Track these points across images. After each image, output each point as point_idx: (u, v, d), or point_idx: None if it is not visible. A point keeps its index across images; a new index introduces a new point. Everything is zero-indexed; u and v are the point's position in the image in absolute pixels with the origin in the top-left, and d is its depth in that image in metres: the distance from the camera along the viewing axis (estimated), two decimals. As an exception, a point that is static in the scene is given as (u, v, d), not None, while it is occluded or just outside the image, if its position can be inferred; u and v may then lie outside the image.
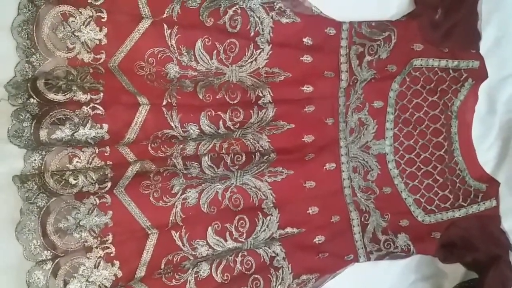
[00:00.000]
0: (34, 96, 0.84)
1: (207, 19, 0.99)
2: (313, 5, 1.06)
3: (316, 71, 1.09)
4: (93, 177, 0.89)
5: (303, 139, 1.08)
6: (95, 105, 0.87)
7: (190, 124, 0.96)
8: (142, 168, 0.94)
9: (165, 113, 0.93)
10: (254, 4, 1.01)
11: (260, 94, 1.03)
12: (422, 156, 1.16)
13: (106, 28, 0.91)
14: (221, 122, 0.98)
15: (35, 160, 0.84)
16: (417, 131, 1.15)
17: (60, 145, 0.88)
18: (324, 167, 1.11)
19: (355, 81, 1.12)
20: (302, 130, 1.08)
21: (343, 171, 1.14)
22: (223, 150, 1.02)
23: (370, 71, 1.11)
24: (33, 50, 0.86)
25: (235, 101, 1.00)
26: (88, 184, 0.89)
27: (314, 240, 1.04)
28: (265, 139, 1.05)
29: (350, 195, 1.13)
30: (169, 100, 0.94)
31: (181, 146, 0.98)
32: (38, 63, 0.87)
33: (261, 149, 1.05)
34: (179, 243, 0.92)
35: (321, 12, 1.07)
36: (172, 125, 0.94)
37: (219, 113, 0.98)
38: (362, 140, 1.14)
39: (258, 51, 1.04)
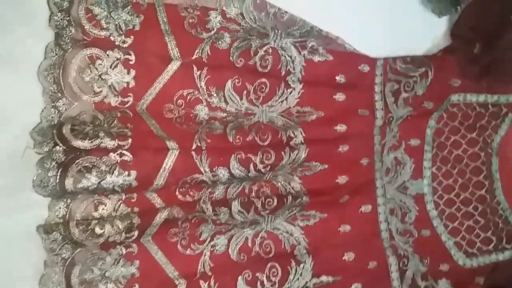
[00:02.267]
0: (60, 144, 0.81)
1: (237, 60, 0.96)
2: (346, 42, 1.02)
3: (349, 109, 1.05)
4: (120, 226, 0.85)
5: (336, 180, 1.04)
6: (123, 151, 0.84)
7: (220, 168, 0.92)
8: (170, 215, 0.91)
9: (194, 157, 0.90)
10: (285, 43, 0.98)
11: (292, 135, 0.98)
12: (462, 196, 1.10)
13: (134, 71, 0.88)
14: (251, 165, 0.94)
15: (59, 208, 0.81)
16: (456, 169, 1.10)
17: (86, 193, 0.84)
18: (360, 210, 1.06)
19: (391, 119, 1.07)
20: (335, 171, 1.03)
21: (379, 214, 1.08)
22: (253, 193, 0.98)
23: (406, 108, 1.07)
24: (59, 95, 0.84)
25: (266, 143, 0.96)
26: (115, 234, 0.85)
27: None
28: (297, 181, 1.00)
29: (387, 239, 1.08)
30: (199, 144, 0.90)
31: (209, 189, 0.94)
32: (64, 107, 0.85)
33: (293, 191, 1.01)
34: None
35: (354, 49, 1.02)
36: (202, 170, 0.90)
37: (250, 155, 0.94)
38: (399, 180, 1.09)
39: (289, 90, 1.00)
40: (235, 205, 0.96)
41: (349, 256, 1.02)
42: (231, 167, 0.93)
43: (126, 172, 0.85)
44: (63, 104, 0.85)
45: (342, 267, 0.99)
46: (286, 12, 0.98)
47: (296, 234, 1.01)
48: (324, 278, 1.01)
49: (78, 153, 0.83)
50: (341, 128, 1.03)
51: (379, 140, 1.07)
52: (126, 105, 0.90)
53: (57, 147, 0.82)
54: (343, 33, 1.05)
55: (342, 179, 1.04)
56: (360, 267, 1.01)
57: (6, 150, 0.82)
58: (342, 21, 1.06)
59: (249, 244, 0.92)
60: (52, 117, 0.84)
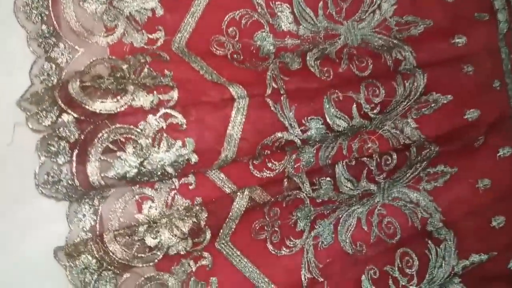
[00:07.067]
0: (69, 110, 0.51)
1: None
2: None
3: (464, 13, 0.79)
4: (183, 229, 0.56)
5: (465, 117, 0.75)
6: (169, 111, 0.54)
7: (312, 119, 0.63)
8: (252, 201, 0.61)
9: (272, 106, 0.61)
10: None
11: (400, 57, 0.71)
12: None
13: (161, -10, 0.59)
14: (354, 108, 0.65)
15: (84, 216, 0.56)
16: None
17: (122, 186, 0.55)
18: (498, 155, 0.77)
19: (516, 21, 0.79)
20: (463, 103, 0.76)
21: (522, 157, 0.81)
22: (355, 152, 0.69)
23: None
24: (54, 40, 0.55)
25: (367, 72, 0.68)
26: (176, 242, 0.56)
27: (509, 266, 0.79)
28: (412, 125, 0.72)
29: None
30: (275, 86, 0.61)
31: (294, 155, 0.66)
32: (64, 58, 0.56)
33: (409, 141, 0.72)
34: None
35: None
36: (286, 124, 0.61)
37: (350, 93, 0.65)
38: (536, 102, 0.82)
39: (382, -6, 0.72)
40: (341, 171, 0.67)
41: (498, 222, 0.79)
42: (326, 115, 0.64)
43: (179, 142, 0.56)
44: (62, 53, 0.56)
45: (493, 237, 0.78)
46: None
47: (424, 203, 0.75)
48: (475, 258, 0.76)
49: (99, 121, 0.53)
50: (459, 40, 0.75)
51: (507, 53, 0.79)
52: (157, 45, 0.61)
53: (65, 117, 0.53)
54: None
55: (472, 114, 0.76)
56: (514, 235, 0.77)
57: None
58: None
59: (364, 227, 0.73)
60: (48, 74, 0.56)
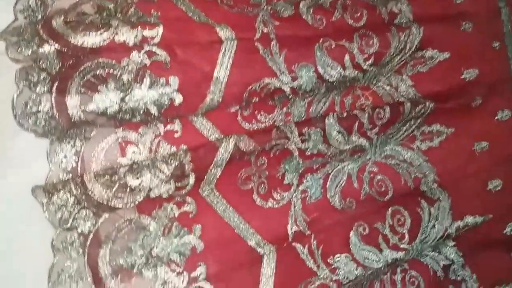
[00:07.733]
0: (51, 41, 0.50)
1: None
2: None
3: None
4: (166, 172, 0.55)
5: (462, 76, 0.73)
6: (152, 48, 0.53)
7: (303, 66, 0.61)
8: (237, 149, 0.60)
9: (261, 50, 0.59)
10: None
11: (395, 9, 0.70)
12: None
13: None
14: (347, 58, 0.64)
15: (65, 157, 0.55)
16: None
17: (103, 123, 0.54)
18: (496, 118, 0.75)
19: (516, -20, 0.78)
20: (460, 61, 0.75)
21: (521, 121, 0.79)
22: (347, 108, 0.68)
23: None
24: (40, -23, 0.54)
25: (361, 23, 0.67)
26: (159, 184, 0.55)
27: (505, 231, 0.76)
28: (408, 82, 0.71)
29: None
30: (265, 30, 0.60)
31: (284, 108, 0.65)
32: None
33: (403, 99, 0.71)
34: (311, 264, 0.64)
35: None
36: (275, 69, 0.60)
37: (343, 42, 0.63)
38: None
39: None
40: (331, 123, 0.66)
41: (495, 185, 0.76)
42: (318, 63, 0.63)
43: (163, 80, 0.55)
44: (48, -10, 0.56)
45: (489, 200, 0.76)
46: None
47: (418, 162, 0.74)
48: (469, 219, 0.74)
49: (81, 55, 0.53)
50: (458, -4, 0.73)
51: (507, 14, 0.77)
52: (143, -13, 0.60)
53: (46, 47, 0.52)
54: None
55: (470, 74, 0.75)
56: (512, 197, 0.76)
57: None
58: None
59: (355, 184, 0.70)
60: (33, 11, 0.55)
